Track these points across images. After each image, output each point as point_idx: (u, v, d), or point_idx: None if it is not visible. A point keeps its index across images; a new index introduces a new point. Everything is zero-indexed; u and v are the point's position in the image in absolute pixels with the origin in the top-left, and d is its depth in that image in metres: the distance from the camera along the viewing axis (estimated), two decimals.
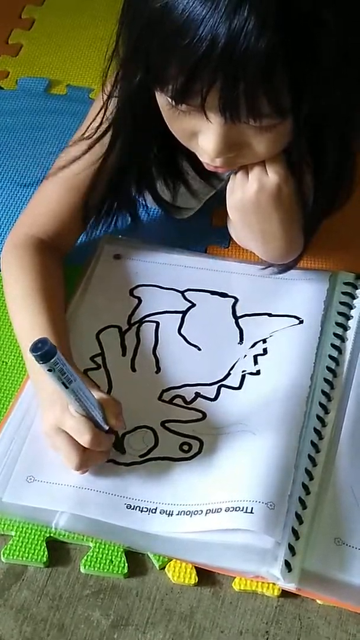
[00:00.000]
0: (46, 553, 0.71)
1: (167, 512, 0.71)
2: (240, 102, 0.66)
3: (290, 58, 0.64)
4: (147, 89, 0.74)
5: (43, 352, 0.63)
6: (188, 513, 0.71)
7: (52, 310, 0.80)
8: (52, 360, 0.64)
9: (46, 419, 0.73)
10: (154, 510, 0.71)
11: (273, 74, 0.64)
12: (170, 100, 0.70)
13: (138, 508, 0.72)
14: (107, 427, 0.72)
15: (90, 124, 0.84)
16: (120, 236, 0.95)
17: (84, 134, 0.85)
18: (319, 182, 0.81)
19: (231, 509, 0.69)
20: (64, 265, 0.89)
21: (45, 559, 0.71)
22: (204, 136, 0.73)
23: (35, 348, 0.64)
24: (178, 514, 0.71)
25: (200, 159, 0.78)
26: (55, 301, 0.82)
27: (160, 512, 0.71)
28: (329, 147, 0.78)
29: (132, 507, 0.72)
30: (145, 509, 0.72)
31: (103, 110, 0.82)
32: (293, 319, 0.85)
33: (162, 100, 0.73)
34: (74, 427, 0.70)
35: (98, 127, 0.83)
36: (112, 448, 0.74)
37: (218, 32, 0.62)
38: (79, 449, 0.71)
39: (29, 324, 0.79)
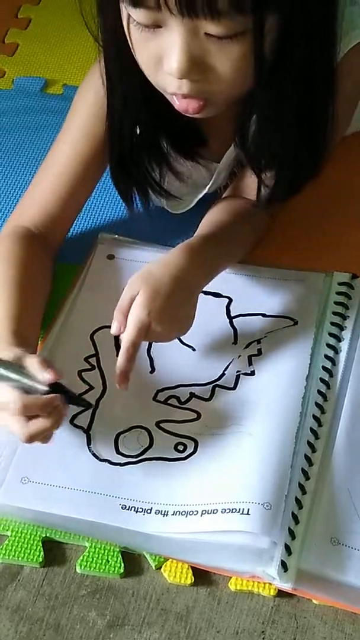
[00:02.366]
0: (42, 553, 0.71)
1: (162, 512, 0.71)
2: None
3: None
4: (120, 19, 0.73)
5: None
6: (183, 513, 0.71)
7: (25, 301, 0.79)
8: None
9: None
10: (149, 511, 0.71)
11: None
12: (128, 8, 0.69)
13: (133, 508, 0.72)
14: (44, 388, 0.69)
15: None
16: (115, 235, 0.95)
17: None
18: (287, 124, 0.79)
19: (227, 511, 0.69)
20: (56, 262, 0.90)
21: (41, 559, 0.71)
22: (168, 56, 0.71)
23: None
24: (173, 514, 0.71)
25: (168, 93, 0.76)
26: (32, 292, 0.82)
27: (155, 513, 0.71)
28: (296, 81, 0.75)
29: (127, 508, 0.72)
30: (141, 510, 0.71)
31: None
32: (287, 320, 0.85)
33: (127, 24, 0.71)
34: (1, 401, 0.68)
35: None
36: (71, 406, 0.72)
37: None
38: (19, 420, 0.68)
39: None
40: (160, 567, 0.71)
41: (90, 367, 0.82)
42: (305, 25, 0.71)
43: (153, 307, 0.76)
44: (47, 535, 0.72)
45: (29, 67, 1.23)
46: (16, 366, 0.69)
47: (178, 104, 0.76)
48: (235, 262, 0.89)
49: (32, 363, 0.70)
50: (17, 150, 1.09)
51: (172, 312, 0.78)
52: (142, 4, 0.68)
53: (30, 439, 0.69)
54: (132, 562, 0.71)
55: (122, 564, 0.71)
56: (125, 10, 0.70)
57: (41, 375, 0.69)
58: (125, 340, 0.75)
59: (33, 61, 1.24)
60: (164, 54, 0.72)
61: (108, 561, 0.71)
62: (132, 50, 0.74)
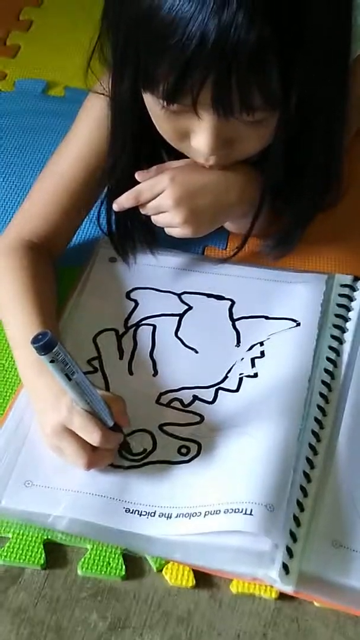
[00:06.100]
0: (43, 555, 0.71)
1: (166, 515, 0.71)
2: (233, 96, 0.66)
3: (280, 46, 0.64)
4: (135, 93, 0.74)
5: (44, 342, 0.63)
6: (187, 515, 0.71)
7: (42, 313, 0.79)
8: (54, 351, 0.64)
9: (49, 420, 0.71)
10: (152, 514, 0.71)
11: (264, 64, 0.65)
12: (161, 101, 0.70)
13: (137, 512, 0.71)
14: (112, 424, 0.71)
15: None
16: None
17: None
18: (306, 178, 0.82)
19: (230, 511, 0.69)
20: (58, 266, 0.89)
21: (42, 561, 0.71)
22: (196, 135, 0.73)
23: (36, 340, 0.63)
24: (177, 517, 0.71)
25: (194, 160, 0.78)
26: (46, 303, 0.82)
27: (159, 516, 0.71)
28: (315, 141, 0.79)
29: (131, 511, 0.71)
30: (144, 513, 0.71)
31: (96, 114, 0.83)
32: (290, 321, 0.85)
33: (152, 102, 0.73)
34: (83, 425, 0.69)
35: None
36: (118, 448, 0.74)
37: (207, 28, 0.63)
38: (87, 448, 0.70)
39: (20, 327, 0.79)
40: (162, 569, 0.71)
41: (92, 369, 0.82)
42: (328, 95, 0.74)
43: (179, 180, 0.77)
44: (49, 537, 0.72)
45: (31, 69, 1.24)
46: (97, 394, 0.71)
47: (201, 165, 0.78)
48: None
49: (115, 401, 0.73)
50: (18, 152, 1.09)
51: (196, 200, 0.79)
52: (178, 102, 0.69)
53: (90, 467, 0.71)
54: (134, 564, 0.71)
55: (124, 567, 0.71)
56: (150, 94, 0.72)
57: (121, 419, 0.73)
58: (137, 186, 0.78)
59: (34, 63, 1.25)
60: (190, 131, 0.73)
61: (109, 563, 0.71)
62: (153, 120, 0.75)
